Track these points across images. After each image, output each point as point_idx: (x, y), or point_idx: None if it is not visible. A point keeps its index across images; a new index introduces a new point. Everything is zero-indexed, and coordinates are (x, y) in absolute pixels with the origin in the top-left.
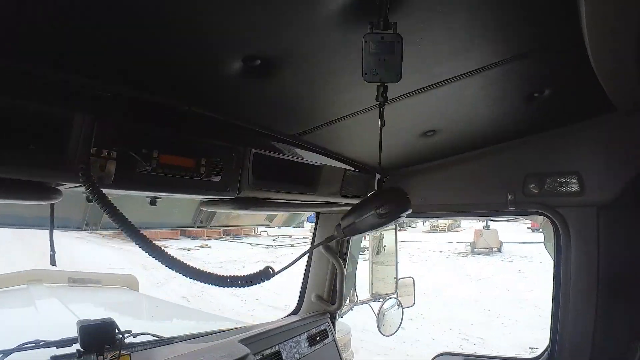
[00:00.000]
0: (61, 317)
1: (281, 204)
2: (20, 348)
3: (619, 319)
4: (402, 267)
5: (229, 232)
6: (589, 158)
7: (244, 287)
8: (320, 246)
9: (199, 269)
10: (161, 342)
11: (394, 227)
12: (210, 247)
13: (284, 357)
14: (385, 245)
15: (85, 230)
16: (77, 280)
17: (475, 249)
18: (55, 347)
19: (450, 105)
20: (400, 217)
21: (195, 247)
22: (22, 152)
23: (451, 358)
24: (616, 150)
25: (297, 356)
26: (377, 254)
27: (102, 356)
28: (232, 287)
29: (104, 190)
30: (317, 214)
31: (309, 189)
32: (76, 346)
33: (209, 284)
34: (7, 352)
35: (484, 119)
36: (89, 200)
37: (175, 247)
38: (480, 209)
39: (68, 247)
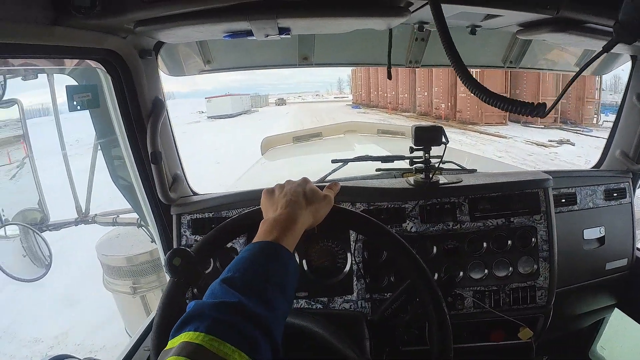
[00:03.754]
0: (376, 154)
1: (600, 31)
2: (356, 159)
3: None
4: None
5: (567, 119)
6: None
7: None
8: (634, 97)
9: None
10: (464, 171)
11: None
12: (573, 145)
13: (578, 201)
14: None
15: (408, 67)
16: (385, 132)
17: None
18: (380, 162)
19: None
20: None
21: (550, 141)
22: None
23: None
24: None
25: (590, 205)
26: None
27: (428, 154)
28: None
29: (443, 6)
30: (634, 59)
31: None
32: (397, 163)
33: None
34: (347, 161)
35: None
36: (420, 30)
37: (519, 139)
38: None
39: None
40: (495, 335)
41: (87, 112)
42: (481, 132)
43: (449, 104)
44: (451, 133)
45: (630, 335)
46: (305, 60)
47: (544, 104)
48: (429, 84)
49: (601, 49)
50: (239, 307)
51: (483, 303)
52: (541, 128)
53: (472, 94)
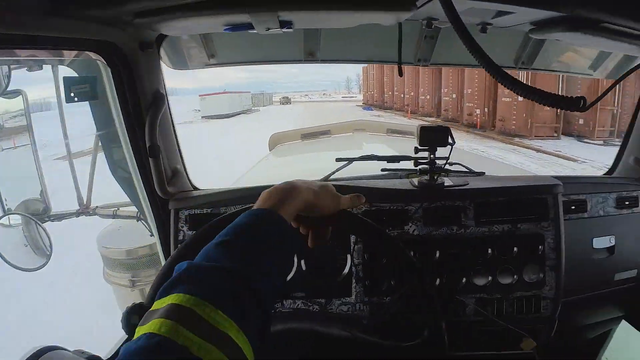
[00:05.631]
0: (384, 154)
1: (618, 32)
2: (361, 158)
3: None
4: None
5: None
6: None
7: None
8: None
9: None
10: (472, 173)
11: None
12: None
13: (588, 208)
14: None
15: (416, 65)
16: (395, 131)
17: None
18: (386, 162)
19: None
20: None
21: None
22: None
23: None
24: None
25: (601, 213)
26: None
27: (433, 154)
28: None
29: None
30: None
31: None
32: (404, 163)
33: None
34: (352, 159)
35: None
36: (428, 26)
37: (595, 163)
38: None
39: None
40: (496, 344)
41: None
42: (539, 150)
43: (487, 109)
44: (495, 149)
45: (637, 348)
46: (311, 56)
47: (583, 98)
48: (459, 85)
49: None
50: (236, 274)
51: (485, 311)
52: (600, 144)
53: (517, 100)
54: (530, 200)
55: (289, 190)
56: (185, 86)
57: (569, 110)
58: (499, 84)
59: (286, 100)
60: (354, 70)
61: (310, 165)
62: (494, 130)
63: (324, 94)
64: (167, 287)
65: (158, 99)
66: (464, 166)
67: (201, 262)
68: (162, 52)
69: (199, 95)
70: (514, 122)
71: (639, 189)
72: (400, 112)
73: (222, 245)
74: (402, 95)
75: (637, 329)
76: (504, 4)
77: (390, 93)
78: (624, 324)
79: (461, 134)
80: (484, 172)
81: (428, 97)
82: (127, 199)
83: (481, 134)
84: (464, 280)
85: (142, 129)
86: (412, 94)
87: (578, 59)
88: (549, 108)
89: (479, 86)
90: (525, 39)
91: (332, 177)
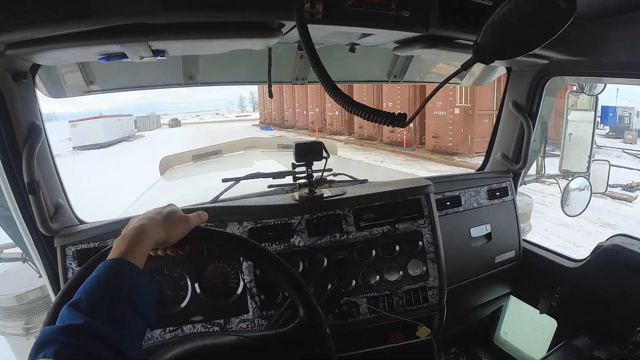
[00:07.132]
0: (276, 169)
1: (468, 46)
2: (247, 177)
3: None
4: None
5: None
6: None
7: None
8: (510, 104)
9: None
10: (355, 182)
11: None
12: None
13: (462, 202)
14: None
15: (294, 84)
16: (286, 146)
17: None
18: (271, 178)
19: None
20: None
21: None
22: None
23: (629, 240)
24: None
25: (475, 205)
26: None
27: (310, 169)
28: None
29: (315, 26)
30: (509, 70)
31: None
32: (290, 178)
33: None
34: (238, 179)
35: None
36: (300, 49)
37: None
38: None
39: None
40: (394, 336)
41: None
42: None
43: (413, 125)
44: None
45: (527, 318)
46: (190, 80)
47: (405, 115)
48: (375, 99)
49: (460, 66)
50: (84, 329)
51: (377, 308)
52: None
53: (453, 113)
54: (406, 202)
55: (136, 235)
56: (69, 110)
57: (394, 126)
58: (427, 97)
59: (175, 123)
60: (247, 89)
61: (202, 186)
62: (423, 147)
63: (216, 114)
64: (30, 356)
65: (35, 131)
66: (347, 175)
67: (54, 326)
68: (38, 81)
69: (69, 121)
70: (451, 138)
71: (507, 180)
72: (305, 130)
73: (72, 306)
74: (306, 112)
75: (524, 301)
76: (364, 28)
77: (290, 110)
78: (512, 299)
79: (388, 154)
80: (367, 180)
81: (337, 112)
82: (10, 240)
83: (412, 153)
84: (354, 282)
85: (19, 164)
86: (317, 110)
87: (446, 69)
88: (487, 120)
89: (402, 100)
90: (395, 56)
91: (220, 197)
